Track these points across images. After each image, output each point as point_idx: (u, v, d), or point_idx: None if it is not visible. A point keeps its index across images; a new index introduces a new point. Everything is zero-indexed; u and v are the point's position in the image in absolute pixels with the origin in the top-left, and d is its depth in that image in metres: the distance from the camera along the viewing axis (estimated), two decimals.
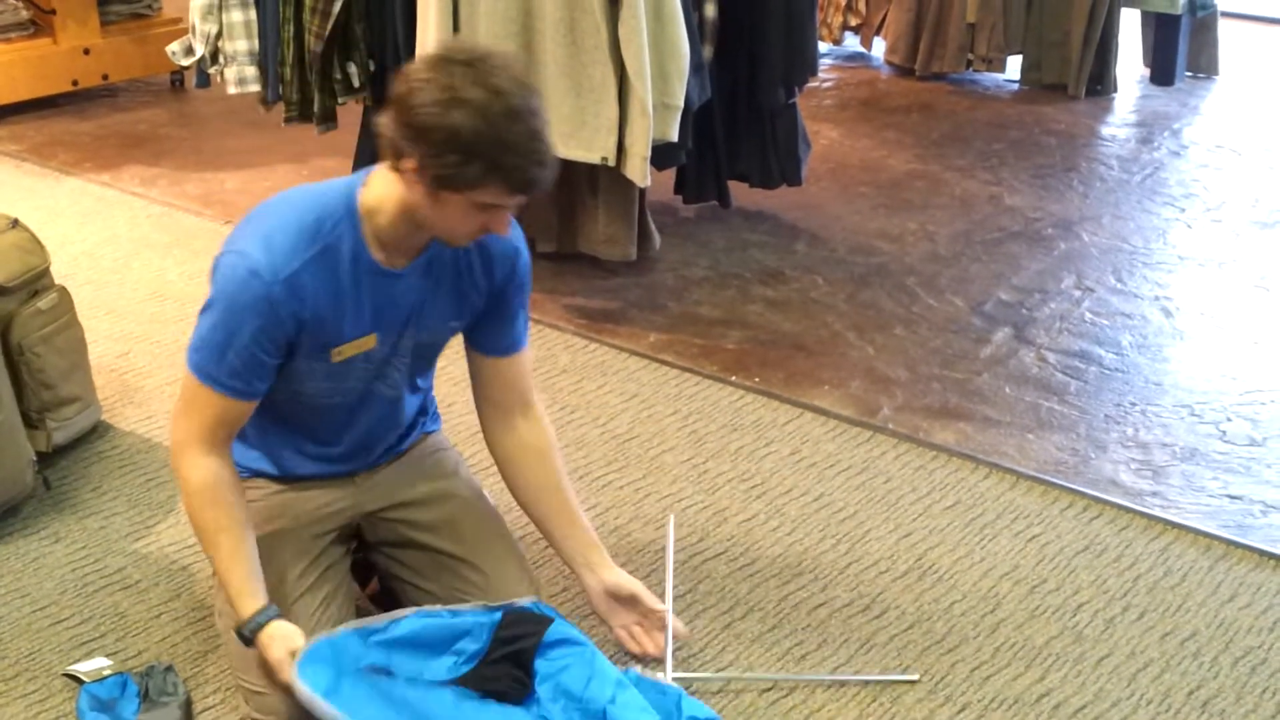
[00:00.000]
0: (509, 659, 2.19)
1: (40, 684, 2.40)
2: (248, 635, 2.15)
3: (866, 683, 2.44)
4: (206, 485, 2.17)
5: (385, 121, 2.06)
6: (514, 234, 2.31)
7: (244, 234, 2.15)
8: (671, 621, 2.42)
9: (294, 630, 2.15)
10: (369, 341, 2.23)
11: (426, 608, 2.23)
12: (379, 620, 2.20)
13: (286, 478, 2.39)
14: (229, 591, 2.18)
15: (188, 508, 2.21)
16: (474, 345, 2.41)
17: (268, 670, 2.14)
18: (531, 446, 2.45)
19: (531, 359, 2.49)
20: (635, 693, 2.17)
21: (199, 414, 2.17)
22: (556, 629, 2.22)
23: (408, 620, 2.19)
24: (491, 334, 2.39)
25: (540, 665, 2.18)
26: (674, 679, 2.35)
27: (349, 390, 2.29)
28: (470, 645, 2.20)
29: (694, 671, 2.46)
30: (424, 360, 2.40)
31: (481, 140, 1.98)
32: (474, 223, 2.09)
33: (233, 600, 2.18)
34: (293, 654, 2.10)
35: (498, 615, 2.22)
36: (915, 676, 2.46)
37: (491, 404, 2.45)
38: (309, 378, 2.23)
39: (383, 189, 2.14)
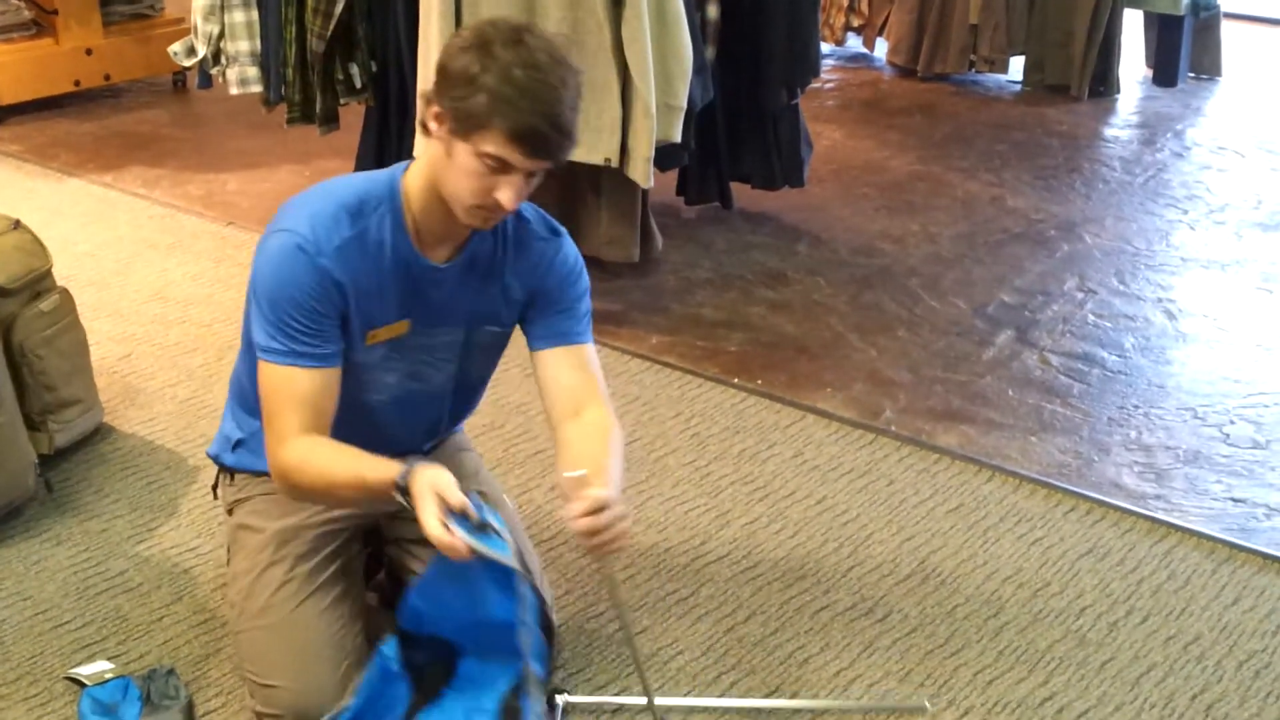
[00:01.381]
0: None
1: (42, 687, 2.40)
2: (403, 485, 2.02)
3: (875, 711, 2.41)
4: (304, 448, 2.12)
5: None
6: (546, 228, 2.32)
7: (288, 215, 2.16)
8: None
9: (443, 472, 2.03)
10: (400, 327, 2.23)
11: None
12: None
13: None
14: (370, 478, 2.07)
15: (296, 484, 2.15)
16: (529, 343, 2.36)
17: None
18: (587, 422, 2.28)
19: (593, 358, 2.36)
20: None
21: (291, 407, 2.13)
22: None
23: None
24: (540, 326, 2.34)
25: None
26: (659, 707, 2.34)
27: (386, 386, 2.29)
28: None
29: (686, 697, 2.43)
30: (471, 368, 2.39)
31: (488, 73, 1.98)
32: (480, 182, 2.05)
33: (376, 477, 2.06)
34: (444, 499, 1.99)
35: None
36: (925, 704, 2.41)
37: (556, 406, 2.32)
38: (348, 368, 2.22)
39: (418, 166, 2.16)
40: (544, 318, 2.34)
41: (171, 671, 2.38)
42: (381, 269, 2.17)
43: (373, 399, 2.30)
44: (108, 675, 2.38)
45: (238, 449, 2.43)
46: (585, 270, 2.38)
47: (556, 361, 2.33)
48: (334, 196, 2.16)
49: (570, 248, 2.35)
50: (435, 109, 2.06)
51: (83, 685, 2.35)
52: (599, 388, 2.34)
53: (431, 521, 1.96)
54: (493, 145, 2.01)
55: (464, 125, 2.01)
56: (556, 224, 2.35)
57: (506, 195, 2.06)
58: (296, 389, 2.13)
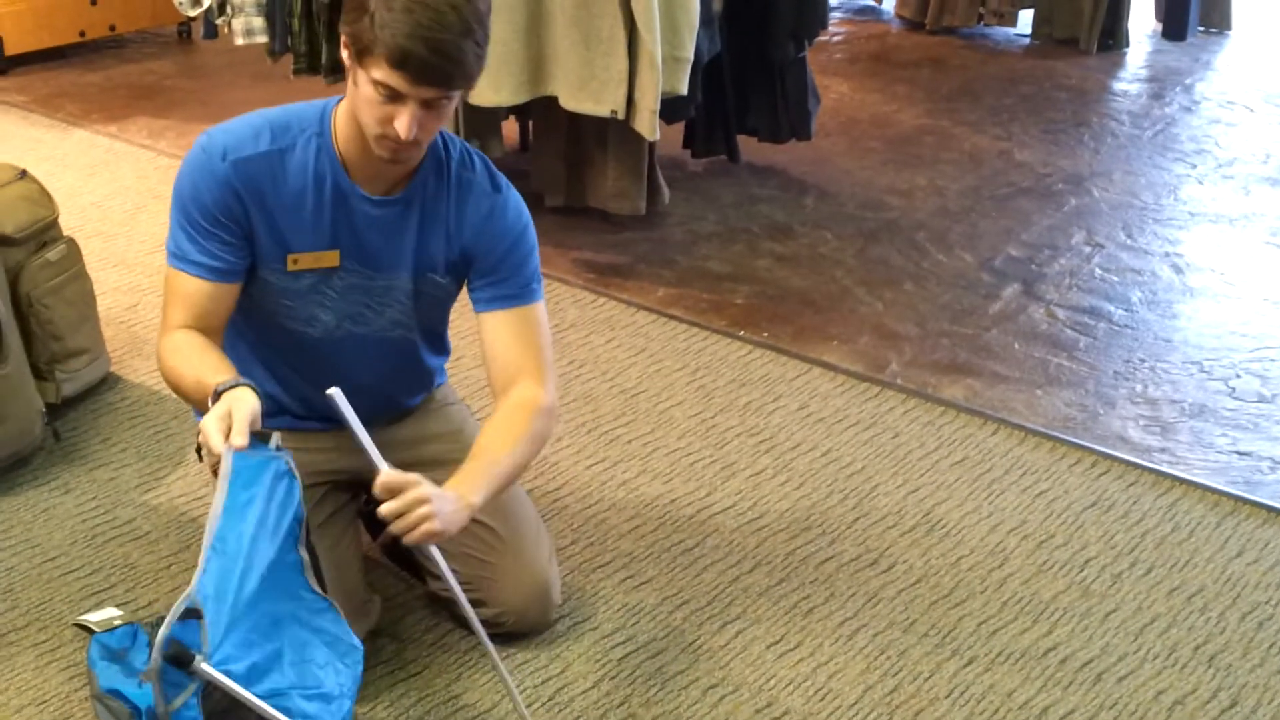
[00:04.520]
0: None
1: (51, 633, 2.41)
2: (219, 393, 1.98)
3: None
4: (180, 337, 2.12)
5: None
6: (489, 180, 2.24)
7: (217, 126, 2.19)
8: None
9: (252, 400, 1.98)
10: (329, 258, 2.18)
11: None
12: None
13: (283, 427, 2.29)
14: (205, 377, 2.03)
15: (165, 370, 2.14)
16: (474, 305, 2.29)
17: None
18: (509, 405, 2.24)
19: (540, 319, 2.29)
20: None
21: (178, 305, 2.15)
22: None
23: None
24: (485, 289, 2.27)
25: None
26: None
27: (320, 322, 2.24)
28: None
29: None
30: (418, 318, 2.32)
31: None
32: (379, 110, 2.00)
33: (208, 378, 2.02)
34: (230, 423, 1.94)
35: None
36: None
37: (494, 377, 2.27)
38: (272, 291, 2.20)
39: (346, 97, 2.13)
40: (488, 279, 2.26)
41: None
42: (303, 193, 2.14)
43: (308, 333, 2.25)
44: (116, 622, 2.39)
45: None
46: (531, 225, 2.29)
47: (500, 326, 2.26)
48: (266, 115, 2.18)
49: (513, 202, 2.26)
50: (342, 35, 2.02)
51: (91, 632, 2.37)
52: (539, 357, 2.27)
53: (211, 423, 1.93)
54: (379, 71, 1.95)
55: (358, 51, 1.97)
56: (501, 177, 2.27)
57: (401, 124, 1.99)
58: (186, 290, 2.15)
